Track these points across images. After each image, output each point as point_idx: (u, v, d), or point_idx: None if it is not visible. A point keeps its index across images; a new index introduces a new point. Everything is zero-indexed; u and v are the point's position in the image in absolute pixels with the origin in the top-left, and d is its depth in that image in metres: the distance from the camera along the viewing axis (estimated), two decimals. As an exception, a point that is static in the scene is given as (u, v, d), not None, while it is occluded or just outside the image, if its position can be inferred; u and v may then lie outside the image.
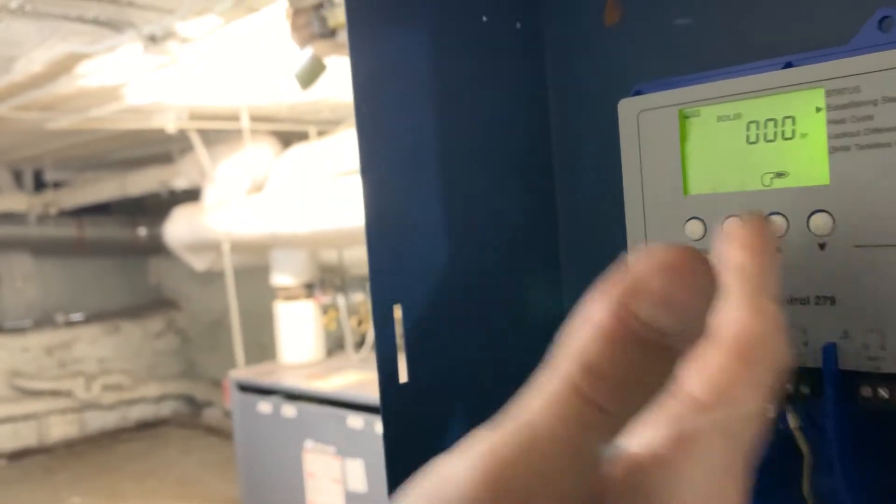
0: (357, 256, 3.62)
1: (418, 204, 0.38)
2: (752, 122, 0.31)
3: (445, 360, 0.38)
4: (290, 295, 3.45)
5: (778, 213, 0.31)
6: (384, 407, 0.36)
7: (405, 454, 0.37)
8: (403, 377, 0.37)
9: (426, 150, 0.39)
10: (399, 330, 0.37)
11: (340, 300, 3.48)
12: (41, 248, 5.47)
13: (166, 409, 5.92)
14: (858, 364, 0.29)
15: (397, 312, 0.37)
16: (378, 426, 2.57)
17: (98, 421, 5.62)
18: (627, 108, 0.35)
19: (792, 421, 0.33)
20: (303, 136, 3.88)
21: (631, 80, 0.38)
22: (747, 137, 0.31)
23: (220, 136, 3.77)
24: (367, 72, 0.37)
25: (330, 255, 3.66)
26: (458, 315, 0.39)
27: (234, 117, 3.44)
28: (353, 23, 0.36)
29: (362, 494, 2.65)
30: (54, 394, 5.48)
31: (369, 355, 3.29)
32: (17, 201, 5.15)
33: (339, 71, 1.97)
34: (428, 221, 0.39)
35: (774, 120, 0.31)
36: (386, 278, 0.36)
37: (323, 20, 1.56)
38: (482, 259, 0.41)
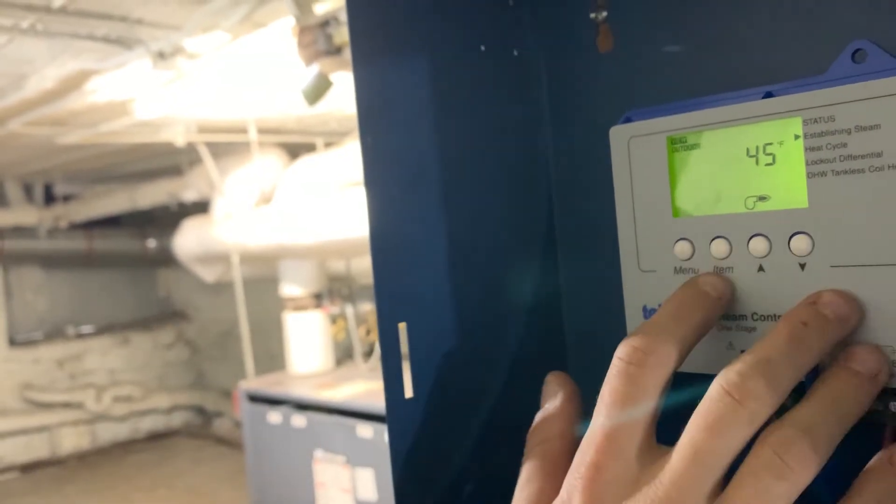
0: (365, 266, 3.64)
1: (421, 226, 0.40)
2: (736, 147, 0.33)
3: (450, 375, 0.40)
4: (298, 305, 3.47)
5: (761, 235, 0.32)
6: (390, 421, 0.38)
7: (412, 466, 0.38)
8: (409, 392, 0.38)
9: (428, 175, 0.40)
10: (404, 346, 0.39)
11: (349, 310, 3.50)
12: (51, 261, 5.51)
13: (177, 419, 5.94)
14: (839, 377, 0.31)
15: (402, 330, 0.39)
16: (387, 436, 2.58)
17: (109, 432, 5.66)
18: (618, 135, 0.37)
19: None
20: (310, 148, 3.91)
21: (625, 106, 0.40)
22: (731, 163, 0.33)
23: (228, 148, 3.81)
24: (370, 102, 0.38)
25: (338, 266, 3.68)
26: (461, 331, 0.41)
27: (242, 130, 3.48)
28: (357, 56, 0.38)
29: (372, 503, 2.66)
30: (66, 406, 5.51)
31: (378, 365, 3.31)
32: (27, 215, 5.19)
33: (346, 84, 1.99)
34: (431, 242, 0.40)
35: (756, 146, 0.32)
36: (391, 298, 0.38)
37: (329, 38, 1.58)
38: (482, 279, 0.42)
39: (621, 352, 0.29)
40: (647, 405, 0.28)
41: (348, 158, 3.13)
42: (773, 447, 0.25)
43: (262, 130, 3.55)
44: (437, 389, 0.40)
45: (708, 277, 0.33)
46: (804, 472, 0.25)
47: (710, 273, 0.33)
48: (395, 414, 0.38)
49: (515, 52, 0.45)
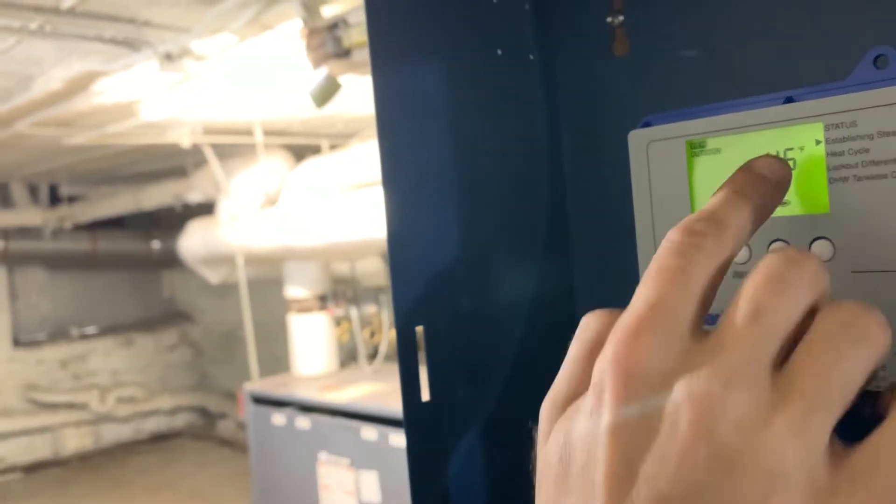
0: (369, 268, 3.64)
1: (438, 229, 0.40)
2: (756, 152, 0.33)
3: (466, 378, 0.40)
4: (303, 307, 3.47)
5: (781, 240, 0.32)
6: (407, 424, 0.38)
7: (428, 469, 0.38)
8: (426, 395, 0.38)
9: (445, 178, 0.40)
10: (421, 349, 0.39)
11: (353, 312, 3.50)
12: (56, 262, 5.52)
13: (180, 421, 5.95)
14: (859, 383, 0.31)
15: (419, 334, 0.39)
16: (392, 438, 2.58)
17: (113, 433, 5.66)
18: (637, 139, 0.37)
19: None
20: (315, 150, 3.91)
21: (641, 110, 0.40)
22: (751, 168, 0.33)
23: (233, 150, 3.81)
24: (388, 107, 0.39)
25: (342, 268, 3.68)
26: (477, 334, 0.41)
27: (248, 132, 3.48)
28: (376, 61, 0.38)
29: (376, 506, 2.66)
30: (69, 406, 5.52)
31: (382, 367, 3.31)
32: (32, 216, 5.20)
33: (352, 86, 1.99)
34: (448, 246, 0.40)
35: (777, 151, 0.32)
36: (408, 302, 0.38)
37: (337, 40, 1.59)
38: (498, 282, 0.43)
39: (672, 234, 0.25)
40: (700, 283, 0.24)
41: (353, 161, 3.14)
42: (843, 313, 0.22)
43: (268, 132, 3.56)
44: (454, 392, 0.40)
45: (765, 160, 0.29)
46: (883, 335, 0.22)
47: (768, 155, 0.30)
48: (412, 416, 0.38)
49: (531, 56, 0.45)
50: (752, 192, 0.27)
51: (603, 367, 0.23)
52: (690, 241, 0.24)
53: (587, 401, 0.23)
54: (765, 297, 0.22)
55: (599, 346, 0.24)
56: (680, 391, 0.21)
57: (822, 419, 0.21)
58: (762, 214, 0.27)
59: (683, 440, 0.20)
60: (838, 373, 0.21)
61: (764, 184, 0.28)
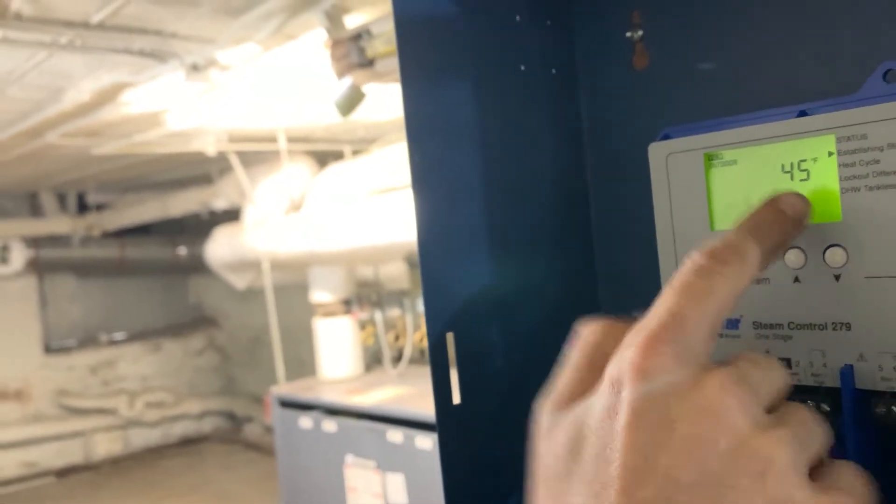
0: (392, 272, 3.67)
1: (467, 240, 0.42)
2: (771, 164, 0.35)
3: (496, 382, 0.42)
4: (328, 311, 3.51)
5: (796, 247, 0.34)
6: (440, 426, 0.40)
7: (460, 470, 0.40)
8: (457, 399, 0.40)
9: (473, 189, 0.42)
10: (451, 354, 0.41)
11: (377, 316, 3.53)
12: (85, 269, 5.60)
13: (208, 425, 6.01)
14: (874, 384, 0.32)
15: (450, 339, 0.40)
16: (418, 440, 2.60)
17: (141, 438, 5.73)
18: (657, 152, 0.38)
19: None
20: (338, 156, 3.95)
21: (661, 121, 0.41)
22: (767, 178, 0.35)
23: (258, 157, 3.85)
24: (418, 122, 0.40)
25: (366, 272, 3.71)
26: (506, 339, 0.43)
27: (272, 139, 3.52)
28: (406, 79, 0.40)
29: (403, 508, 2.68)
30: (99, 412, 5.60)
31: (407, 370, 3.33)
32: (61, 224, 5.28)
33: (373, 94, 2.02)
34: (476, 254, 0.42)
35: (791, 163, 0.34)
36: (440, 310, 0.40)
37: (361, 50, 1.61)
38: (525, 288, 0.44)
39: (698, 256, 0.27)
40: (717, 306, 0.26)
41: (376, 166, 3.16)
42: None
43: (292, 139, 3.59)
44: (484, 395, 0.41)
45: (787, 197, 0.31)
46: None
47: (790, 192, 0.32)
48: (444, 419, 0.40)
49: (553, 71, 0.47)
50: (773, 228, 0.30)
51: (622, 367, 0.25)
52: (715, 267, 0.27)
53: (601, 397, 0.25)
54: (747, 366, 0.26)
55: (599, 354, 0.28)
56: (690, 400, 0.24)
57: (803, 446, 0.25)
58: (779, 250, 0.30)
59: (695, 436, 0.24)
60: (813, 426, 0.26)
61: (784, 221, 0.30)
